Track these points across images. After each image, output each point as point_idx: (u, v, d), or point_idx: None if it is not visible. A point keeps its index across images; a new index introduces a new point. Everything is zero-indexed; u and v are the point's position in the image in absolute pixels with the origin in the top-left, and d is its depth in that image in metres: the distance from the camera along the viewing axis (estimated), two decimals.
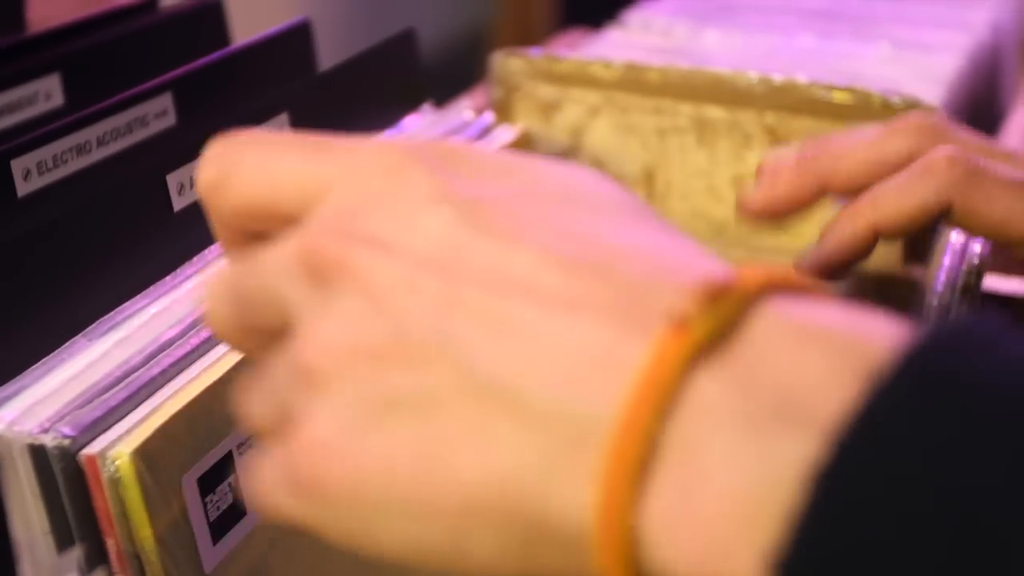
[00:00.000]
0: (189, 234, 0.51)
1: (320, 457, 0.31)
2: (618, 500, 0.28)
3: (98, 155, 0.55)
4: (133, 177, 0.51)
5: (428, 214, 0.32)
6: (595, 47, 0.86)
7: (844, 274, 0.53)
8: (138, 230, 0.50)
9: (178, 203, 0.52)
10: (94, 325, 0.47)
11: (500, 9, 2.66)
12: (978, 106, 0.91)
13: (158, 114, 0.59)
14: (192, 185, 0.53)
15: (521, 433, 0.29)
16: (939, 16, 0.93)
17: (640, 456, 0.28)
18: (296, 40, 0.68)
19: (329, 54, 0.70)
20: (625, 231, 0.32)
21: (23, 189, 0.51)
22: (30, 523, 0.41)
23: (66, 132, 0.54)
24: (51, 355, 0.45)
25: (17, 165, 0.51)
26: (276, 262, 0.33)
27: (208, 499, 0.44)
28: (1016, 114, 0.86)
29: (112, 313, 0.48)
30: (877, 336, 0.27)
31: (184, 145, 0.53)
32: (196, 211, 0.53)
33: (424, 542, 0.30)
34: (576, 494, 0.28)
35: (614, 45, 0.86)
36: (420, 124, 0.67)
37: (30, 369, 0.45)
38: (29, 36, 0.65)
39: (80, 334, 0.47)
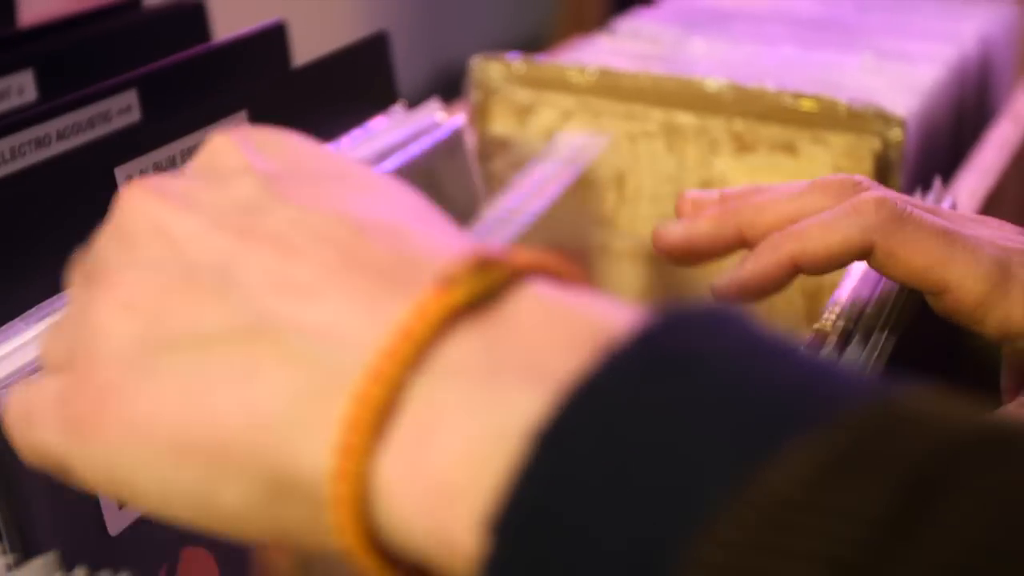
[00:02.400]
0: None
1: (97, 393, 0.33)
2: (355, 448, 0.29)
3: (58, 148, 0.57)
4: (81, 168, 0.53)
5: (234, 182, 0.35)
6: (582, 53, 0.87)
7: (758, 299, 0.52)
8: (84, 221, 0.52)
9: None
10: (33, 310, 0.49)
11: (556, 13, 2.68)
12: (964, 118, 0.91)
13: (122, 110, 0.60)
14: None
15: (281, 378, 0.31)
16: (927, 28, 0.93)
17: (382, 405, 0.29)
18: (271, 41, 0.69)
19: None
20: (411, 217, 0.34)
21: None
22: None
23: (26, 125, 0.55)
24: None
25: None
26: (105, 226, 0.36)
27: None
28: (997, 128, 0.87)
29: (51, 299, 0.49)
30: (618, 317, 0.29)
31: (138, 139, 0.55)
32: None
33: (177, 486, 0.32)
34: (318, 442, 0.30)
35: (600, 52, 0.87)
36: (387, 125, 0.68)
37: None
38: (6, 32, 0.67)
39: (18, 318, 0.48)
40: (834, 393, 0.27)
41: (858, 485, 0.25)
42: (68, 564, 0.40)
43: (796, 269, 0.51)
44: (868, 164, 0.70)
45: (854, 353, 0.52)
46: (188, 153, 0.57)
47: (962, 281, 0.49)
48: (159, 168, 0.56)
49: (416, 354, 0.30)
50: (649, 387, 0.27)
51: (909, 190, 0.71)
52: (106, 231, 0.36)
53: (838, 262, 0.51)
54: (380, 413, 0.29)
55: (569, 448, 0.27)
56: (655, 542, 0.25)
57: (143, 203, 0.35)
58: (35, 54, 0.64)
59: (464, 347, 0.30)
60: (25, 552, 0.42)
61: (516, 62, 0.78)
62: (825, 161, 0.71)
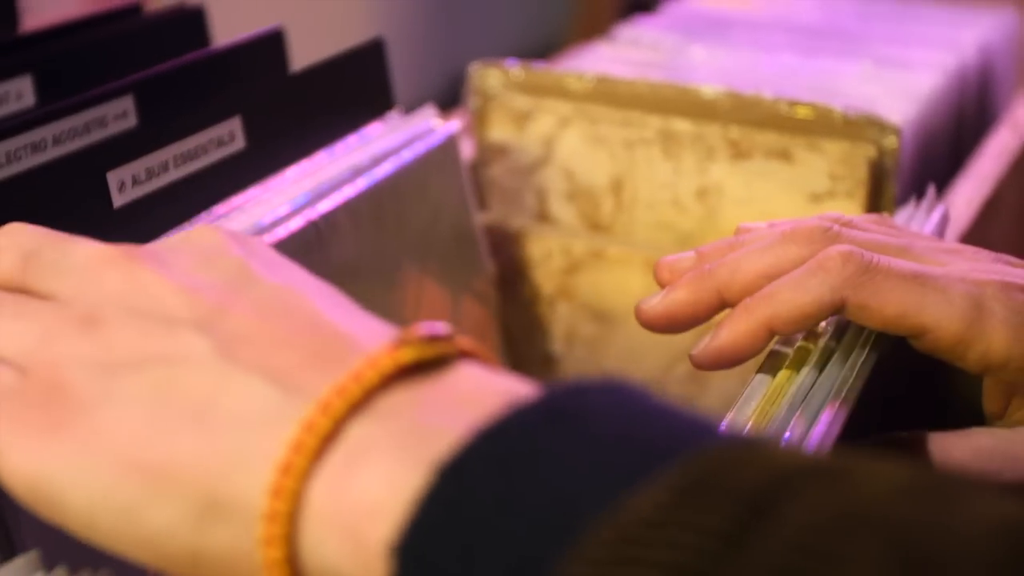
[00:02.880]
0: (128, 230, 0.53)
1: (55, 406, 0.36)
2: (296, 468, 0.33)
3: (53, 153, 0.57)
4: (74, 172, 0.53)
5: (221, 259, 0.40)
6: (581, 60, 0.88)
7: (736, 365, 0.53)
8: (77, 225, 0.52)
9: (118, 200, 0.54)
10: None
11: (570, 21, 2.68)
12: (963, 126, 0.91)
13: (118, 116, 0.61)
14: (134, 183, 0.55)
15: (239, 410, 0.35)
16: (927, 35, 0.93)
17: (326, 433, 0.33)
18: (268, 47, 0.70)
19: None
20: (344, 314, 0.39)
21: None
22: None
23: (22, 129, 0.56)
24: None
25: None
26: (78, 250, 0.41)
27: None
28: (996, 136, 0.87)
29: None
30: (530, 388, 0.35)
31: (133, 144, 0.56)
32: (136, 208, 0.55)
33: (108, 503, 0.34)
34: (262, 463, 0.34)
35: (600, 59, 0.88)
36: (383, 130, 0.69)
37: None
38: (6, 38, 0.67)
39: None
40: (695, 439, 0.32)
41: (703, 505, 0.29)
42: (48, 564, 0.40)
43: (771, 333, 0.51)
44: (863, 171, 0.70)
45: (834, 371, 0.52)
46: (181, 158, 0.57)
47: (937, 323, 0.50)
48: (151, 173, 0.56)
49: (362, 396, 0.34)
50: (542, 434, 0.32)
51: (905, 197, 0.71)
52: (80, 262, 0.40)
53: (812, 321, 0.51)
54: (322, 440, 0.33)
55: (466, 480, 0.31)
56: (534, 560, 0.29)
57: (130, 264, 0.39)
58: (34, 60, 0.64)
59: (402, 397, 0.35)
60: (6, 552, 0.43)
61: (514, 69, 0.78)
62: (820, 168, 0.71)
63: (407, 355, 0.35)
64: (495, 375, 0.36)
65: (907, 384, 0.63)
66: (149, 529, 0.34)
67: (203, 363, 0.36)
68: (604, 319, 0.77)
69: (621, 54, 0.89)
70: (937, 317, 0.49)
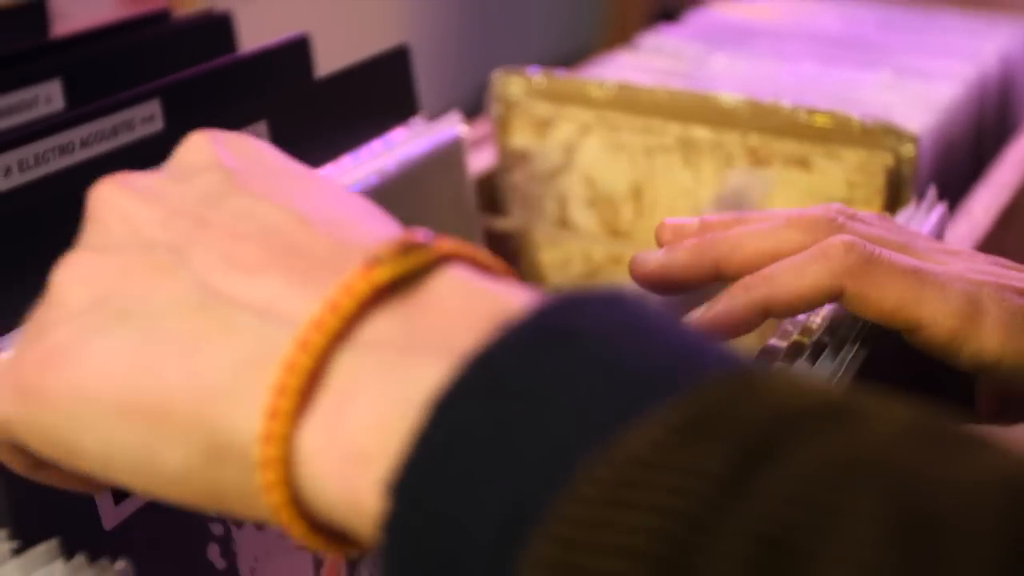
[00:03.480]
0: None
1: (44, 356, 0.35)
2: (282, 412, 0.32)
3: (81, 156, 0.58)
4: (101, 174, 0.54)
5: (200, 175, 0.39)
6: (604, 68, 0.89)
7: (727, 339, 0.53)
8: None
9: None
10: None
11: (601, 29, 2.69)
12: (984, 135, 0.92)
13: (145, 119, 0.62)
14: None
15: (224, 349, 0.34)
16: (948, 45, 0.94)
17: (307, 373, 0.32)
18: (294, 53, 0.71)
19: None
20: (353, 213, 0.38)
21: (3, 185, 0.55)
22: None
23: (50, 132, 0.57)
24: (7, 335, 0.49)
25: None
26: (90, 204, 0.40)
27: None
28: (1016, 145, 0.87)
29: None
30: (520, 299, 0.33)
31: (159, 148, 0.57)
32: None
33: (120, 448, 0.34)
34: (252, 407, 0.33)
35: (622, 67, 0.89)
36: (406, 136, 0.70)
37: None
38: (38, 43, 0.69)
39: None
40: (695, 368, 0.30)
41: (702, 446, 0.28)
42: (68, 553, 0.41)
43: (766, 313, 0.52)
44: (880, 179, 0.71)
45: (824, 365, 0.52)
46: None
47: (933, 318, 0.50)
48: None
49: (342, 327, 0.33)
50: (534, 360, 0.30)
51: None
52: (93, 221, 0.39)
53: (808, 306, 0.51)
54: (306, 380, 0.32)
55: (459, 415, 0.30)
56: (526, 499, 0.28)
57: (111, 193, 0.39)
58: (64, 64, 0.65)
59: (385, 322, 0.33)
60: (26, 541, 0.44)
61: (536, 76, 0.79)
62: (838, 176, 0.72)
63: (382, 274, 0.33)
64: (482, 283, 0.34)
65: (900, 384, 0.63)
66: (164, 474, 0.34)
67: (183, 302, 0.35)
68: None
69: (643, 62, 0.90)
70: (933, 313, 0.50)
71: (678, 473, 0.27)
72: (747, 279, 0.52)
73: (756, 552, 0.26)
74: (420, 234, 0.35)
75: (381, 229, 0.37)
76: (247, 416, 0.33)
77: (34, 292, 0.49)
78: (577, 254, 0.78)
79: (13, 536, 0.43)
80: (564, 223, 0.80)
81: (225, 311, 0.34)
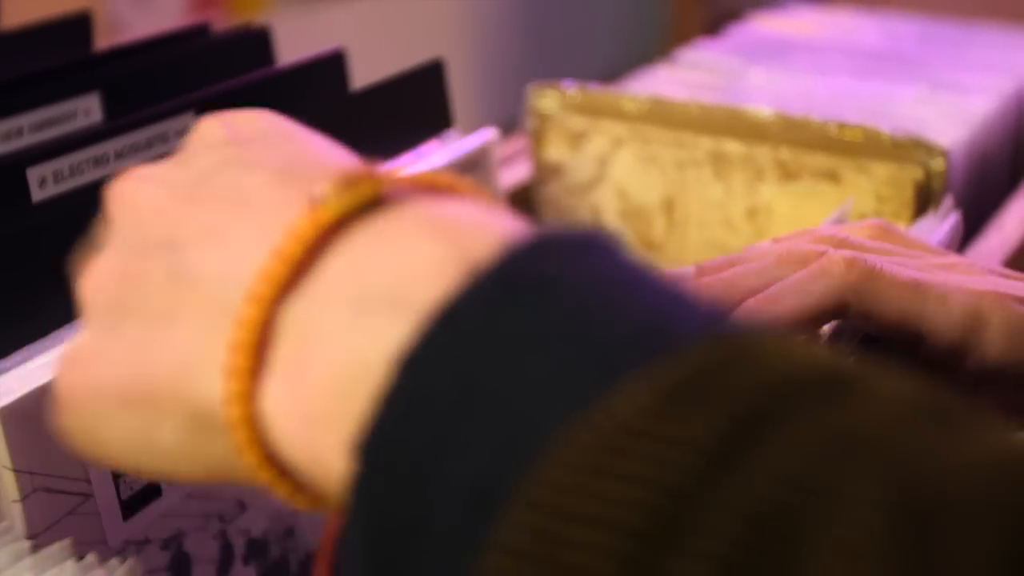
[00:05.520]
0: None
1: (72, 367, 0.37)
2: (240, 369, 0.31)
3: (116, 167, 0.59)
4: None
5: (199, 156, 0.38)
6: (641, 82, 0.89)
7: None
8: None
9: None
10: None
11: (663, 45, 2.70)
12: (1021, 148, 0.92)
13: (180, 132, 0.63)
14: None
15: (194, 321, 0.33)
16: (986, 59, 0.94)
17: (258, 326, 0.31)
18: (330, 67, 0.72)
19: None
20: (340, 154, 0.37)
21: (38, 195, 0.56)
22: None
23: (85, 144, 0.58)
24: (38, 342, 0.50)
25: (33, 173, 0.56)
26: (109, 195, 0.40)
27: (121, 478, 0.48)
28: None
29: None
30: (488, 238, 0.31)
31: None
32: None
33: (128, 434, 0.35)
34: (215, 371, 0.32)
35: (659, 80, 0.89)
36: (440, 149, 0.71)
37: (18, 351, 0.49)
38: (79, 56, 0.70)
39: (68, 327, 0.51)
40: (681, 327, 0.28)
41: (691, 415, 0.26)
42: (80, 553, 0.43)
43: None
44: (910, 193, 0.71)
45: None
46: None
47: (936, 330, 0.51)
48: None
49: (290, 274, 0.32)
50: (504, 315, 0.28)
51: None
52: (112, 214, 0.40)
53: (815, 324, 0.52)
54: (257, 334, 0.31)
55: (425, 375, 0.28)
56: (500, 464, 0.27)
57: (123, 187, 0.39)
58: (103, 78, 0.67)
59: (336, 270, 0.31)
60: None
61: (571, 90, 0.80)
62: (868, 189, 0.72)
63: (327, 213, 0.32)
64: (443, 216, 0.32)
65: None
66: (162, 451, 0.35)
67: (165, 283, 0.35)
68: None
69: (680, 76, 0.91)
70: (936, 324, 0.50)
71: (663, 443, 0.26)
72: (751, 304, 0.52)
73: (744, 532, 0.24)
74: (370, 166, 0.33)
75: (346, 160, 0.36)
76: (214, 380, 0.32)
77: (69, 301, 0.51)
78: None
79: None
80: None
81: (199, 286, 0.34)
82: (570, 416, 0.26)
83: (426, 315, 0.29)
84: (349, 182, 0.32)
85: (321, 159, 0.36)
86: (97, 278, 0.38)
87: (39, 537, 0.44)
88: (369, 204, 0.32)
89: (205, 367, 0.33)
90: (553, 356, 0.28)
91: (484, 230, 0.31)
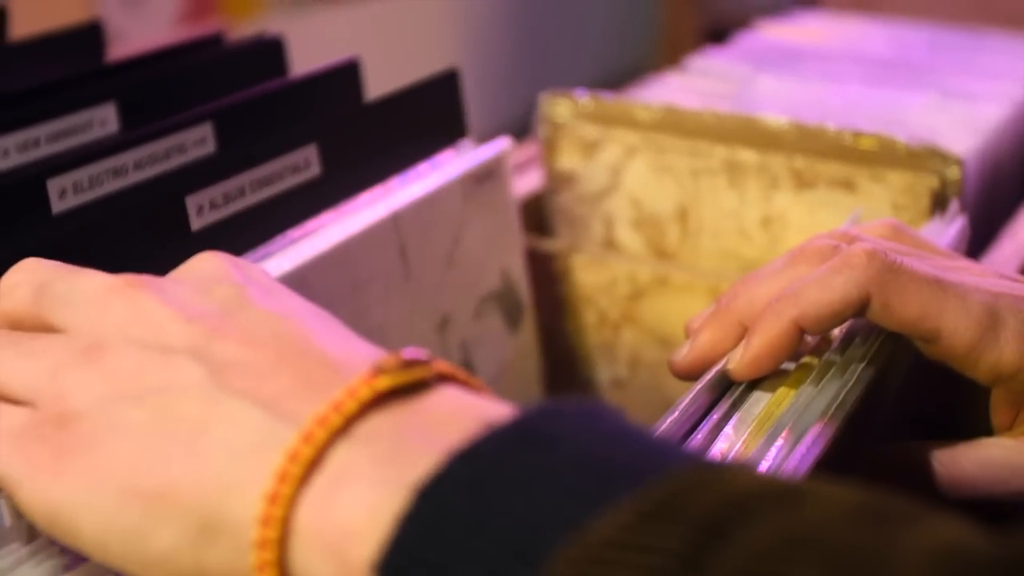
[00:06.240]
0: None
1: (64, 443, 0.38)
2: (282, 497, 0.35)
3: (134, 178, 0.59)
4: (154, 196, 0.55)
5: (216, 287, 0.43)
6: (651, 90, 0.89)
7: (772, 370, 0.53)
8: (156, 247, 0.55)
9: (196, 223, 0.56)
10: None
11: (655, 51, 2.70)
12: None
13: (197, 142, 0.63)
14: (211, 207, 0.57)
15: (228, 435, 0.37)
16: (997, 67, 0.94)
17: (309, 462, 0.36)
18: (344, 77, 0.72)
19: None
20: (349, 334, 0.42)
21: (58, 207, 0.56)
22: None
23: (104, 155, 0.58)
24: None
25: (53, 184, 0.56)
26: (85, 282, 0.43)
27: None
28: None
29: None
30: (505, 411, 0.37)
31: (211, 170, 0.58)
32: (214, 231, 0.57)
33: (115, 528, 0.37)
34: (251, 490, 0.36)
35: (670, 89, 0.89)
36: (454, 158, 0.71)
37: None
38: (94, 66, 0.70)
39: None
40: (661, 463, 0.34)
41: (663, 528, 0.31)
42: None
43: (800, 332, 0.51)
44: (925, 201, 0.71)
45: (830, 387, 0.52)
46: (258, 184, 0.60)
47: (954, 328, 0.50)
48: (228, 198, 0.58)
49: (343, 424, 0.36)
50: (514, 457, 0.34)
51: (970, 228, 0.72)
52: (87, 294, 0.42)
53: (840, 319, 0.51)
54: (307, 468, 0.36)
55: (441, 500, 0.33)
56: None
57: (133, 291, 0.42)
58: (118, 88, 0.67)
59: (381, 422, 0.37)
60: None
61: (583, 99, 0.80)
62: (883, 198, 0.72)
63: (384, 383, 0.37)
64: (472, 397, 0.38)
65: (917, 397, 0.63)
66: (154, 552, 0.36)
67: (197, 392, 0.38)
68: (668, 344, 0.78)
69: (691, 84, 0.91)
70: (955, 322, 0.50)
71: (642, 552, 0.30)
72: (774, 305, 0.52)
73: None
74: (421, 353, 0.38)
75: (373, 347, 0.41)
76: (244, 499, 0.36)
77: None
78: (623, 275, 0.79)
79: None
80: (610, 244, 0.81)
81: (234, 403, 0.37)
82: (564, 537, 0.31)
83: (447, 454, 0.34)
84: (407, 364, 0.38)
85: (337, 330, 0.42)
86: (109, 365, 0.39)
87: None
88: (417, 384, 0.38)
89: (238, 485, 0.36)
90: (552, 489, 0.33)
91: (503, 406, 0.37)
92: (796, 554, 0.30)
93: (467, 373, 0.40)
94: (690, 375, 0.55)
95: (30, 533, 0.43)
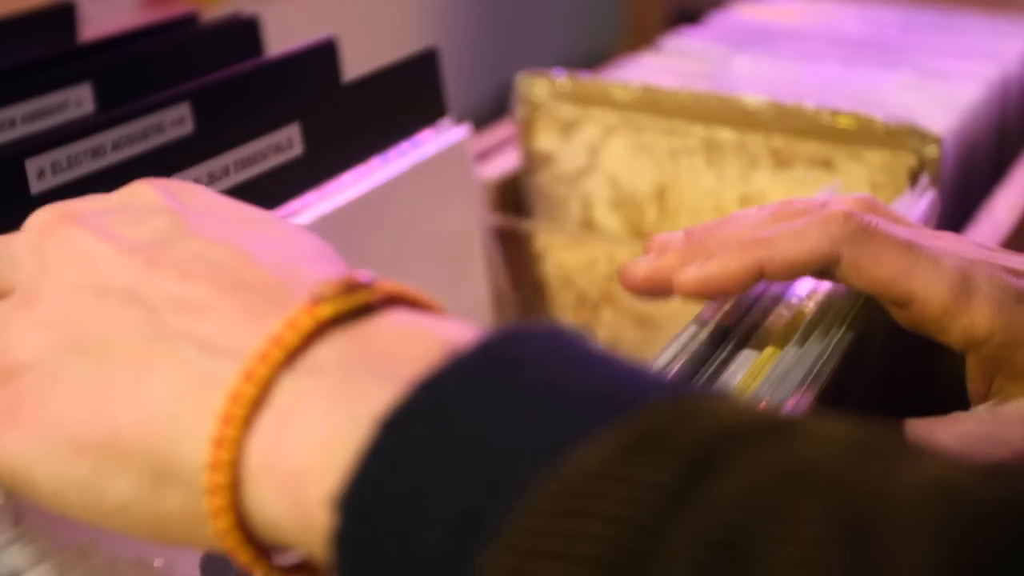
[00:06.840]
0: None
1: (12, 398, 0.37)
2: (228, 440, 0.34)
3: (112, 158, 0.59)
4: (134, 177, 0.55)
5: (150, 218, 0.41)
6: (627, 70, 0.89)
7: (714, 298, 0.53)
8: None
9: None
10: None
11: (619, 31, 2.70)
12: (1007, 136, 0.92)
13: (175, 122, 0.62)
14: None
15: (170, 379, 0.35)
16: (971, 46, 0.94)
17: (252, 402, 0.34)
18: (321, 57, 0.72)
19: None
20: (304, 254, 0.40)
21: (36, 187, 0.55)
22: None
23: (82, 135, 0.58)
24: None
25: (32, 164, 0.55)
26: (20, 238, 0.42)
27: None
28: None
29: None
30: (464, 334, 0.34)
31: (190, 151, 0.57)
32: None
33: (71, 480, 0.36)
34: (197, 435, 0.34)
35: (646, 69, 0.89)
36: (433, 138, 0.70)
37: None
38: (68, 47, 0.69)
39: None
40: (638, 392, 0.32)
41: (649, 461, 0.29)
42: None
43: (760, 275, 0.52)
44: (904, 180, 0.71)
45: (811, 349, 0.52)
46: (239, 165, 0.59)
47: (927, 292, 0.51)
48: (213, 178, 0.58)
49: (285, 358, 0.34)
50: (480, 384, 0.32)
51: (946, 206, 0.72)
52: (23, 247, 0.41)
53: (803, 271, 0.52)
54: (251, 409, 0.34)
55: (407, 433, 0.31)
56: (478, 513, 0.30)
57: (66, 229, 0.40)
58: (93, 68, 0.66)
59: (327, 351, 0.35)
60: None
61: (561, 79, 0.80)
62: (862, 176, 0.72)
63: (326, 310, 0.35)
64: (425, 319, 0.36)
65: (891, 371, 0.64)
66: (110, 503, 0.36)
67: (135, 336, 0.36)
68: (647, 324, 0.78)
69: (667, 64, 0.90)
70: (927, 285, 0.51)
71: (628, 485, 0.29)
72: (745, 241, 0.52)
73: (705, 556, 0.27)
74: (363, 275, 0.36)
75: (326, 269, 0.39)
76: (192, 444, 0.34)
77: None
78: (602, 255, 0.79)
79: None
80: (589, 224, 0.81)
81: (173, 344, 0.36)
82: (542, 469, 0.30)
83: (409, 383, 0.32)
84: (348, 288, 0.36)
85: (294, 254, 0.39)
86: (44, 312, 0.38)
87: None
88: (362, 309, 0.36)
89: (184, 430, 0.34)
90: (527, 417, 0.31)
91: (461, 328, 0.35)
92: (795, 488, 0.28)
93: (416, 290, 0.38)
94: (639, 290, 0.55)
95: (16, 516, 0.43)
